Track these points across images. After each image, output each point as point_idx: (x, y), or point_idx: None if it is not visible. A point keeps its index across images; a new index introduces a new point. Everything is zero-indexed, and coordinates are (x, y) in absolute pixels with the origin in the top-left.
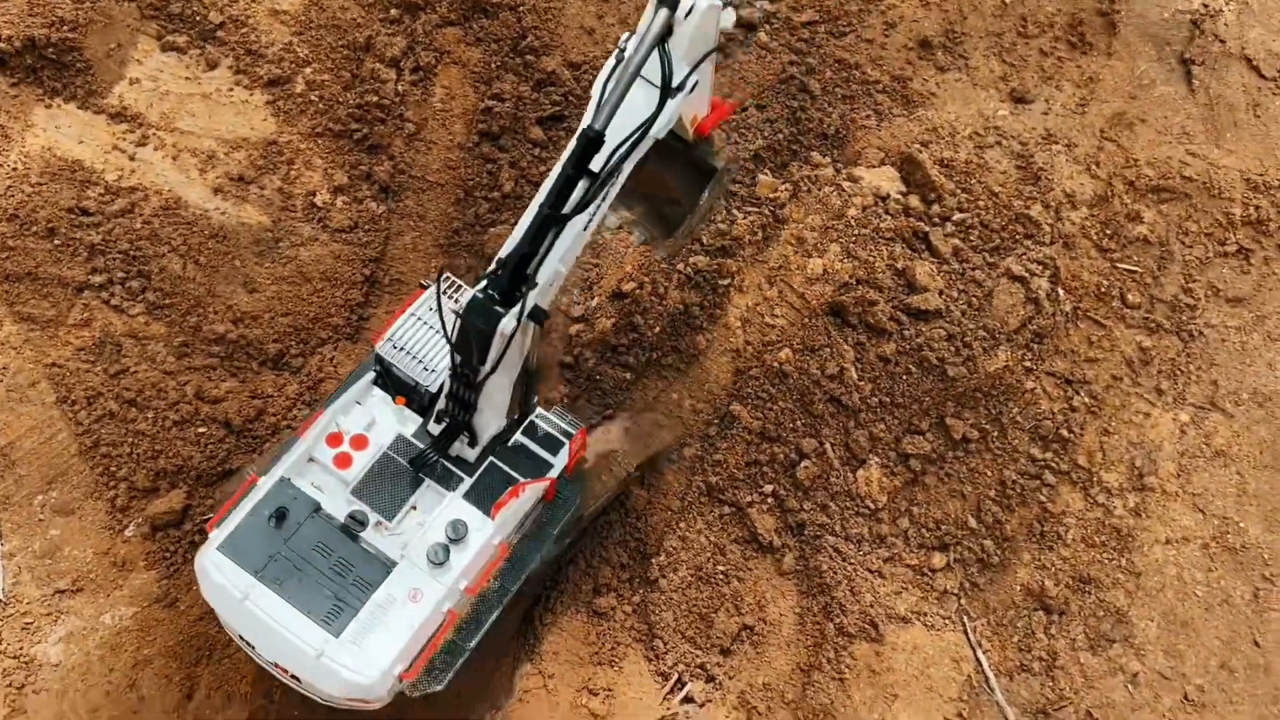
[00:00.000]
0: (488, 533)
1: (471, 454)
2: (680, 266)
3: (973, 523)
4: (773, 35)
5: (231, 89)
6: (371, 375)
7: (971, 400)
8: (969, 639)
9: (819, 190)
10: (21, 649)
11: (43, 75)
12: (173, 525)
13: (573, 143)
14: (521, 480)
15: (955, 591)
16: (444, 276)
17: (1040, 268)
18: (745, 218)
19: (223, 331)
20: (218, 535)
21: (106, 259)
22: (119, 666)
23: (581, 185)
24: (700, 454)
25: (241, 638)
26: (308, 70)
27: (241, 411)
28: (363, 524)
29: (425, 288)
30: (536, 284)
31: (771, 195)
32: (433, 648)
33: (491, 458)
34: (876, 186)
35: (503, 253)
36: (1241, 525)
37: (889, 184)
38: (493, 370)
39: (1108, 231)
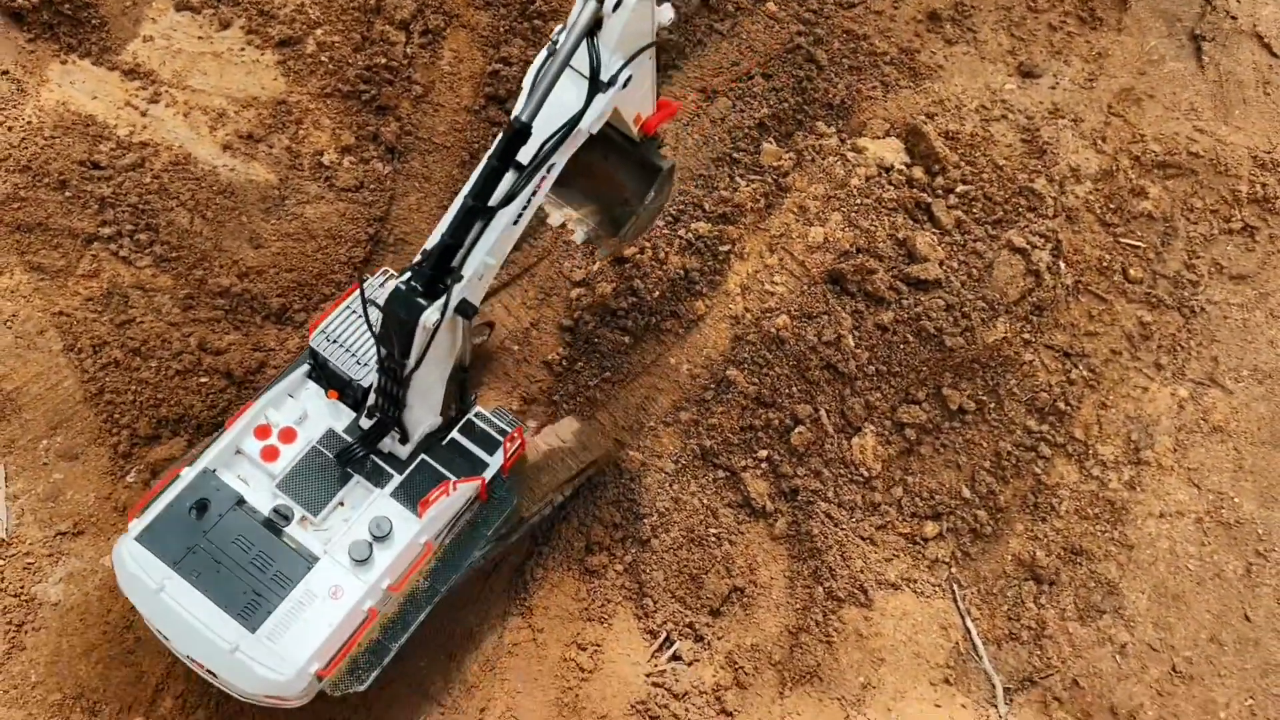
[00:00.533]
0: (413, 531)
1: (404, 451)
2: (682, 232)
3: (966, 493)
4: (781, 5)
5: (243, 49)
6: (305, 368)
7: (969, 371)
8: (958, 606)
9: (823, 160)
10: (23, 588)
11: (59, 31)
12: None
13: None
14: (453, 479)
15: (946, 560)
16: (383, 270)
17: (1042, 240)
18: (748, 185)
19: (228, 285)
20: (136, 525)
21: (116, 212)
22: (116, 608)
23: (509, 177)
24: (695, 418)
25: (159, 630)
26: (318, 31)
27: (243, 363)
28: (287, 518)
29: (364, 281)
30: (462, 277)
31: (775, 164)
32: (351, 646)
33: (424, 455)
34: (880, 157)
35: (428, 244)
36: (1236, 501)
37: (893, 155)
38: (418, 365)
39: (1112, 206)
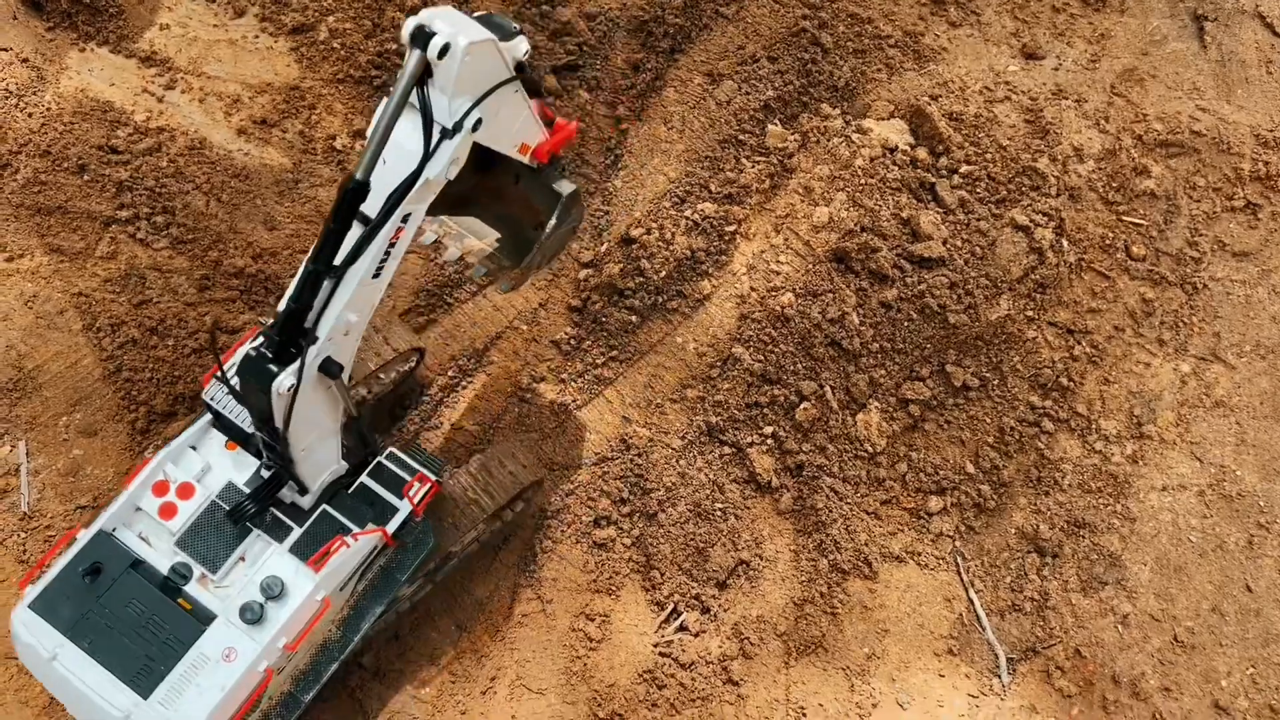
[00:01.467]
0: (308, 588)
1: (307, 501)
2: (688, 213)
3: (970, 468)
4: None
5: (257, 36)
6: (209, 417)
7: (973, 348)
8: (962, 579)
9: (827, 141)
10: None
11: (77, 20)
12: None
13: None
14: (354, 530)
15: (950, 534)
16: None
17: (1045, 219)
18: (754, 167)
19: (242, 266)
20: (30, 592)
21: (134, 195)
22: None
23: (356, 235)
24: (702, 395)
25: (57, 698)
26: (331, 19)
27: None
28: (186, 577)
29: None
30: (317, 338)
31: (780, 145)
32: (247, 708)
33: (326, 505)
34: (885, 138)
35: (280, 305)
36: (1239, 474)
37: (897, 136)
38: (286, 427)
39: (1114, 185)
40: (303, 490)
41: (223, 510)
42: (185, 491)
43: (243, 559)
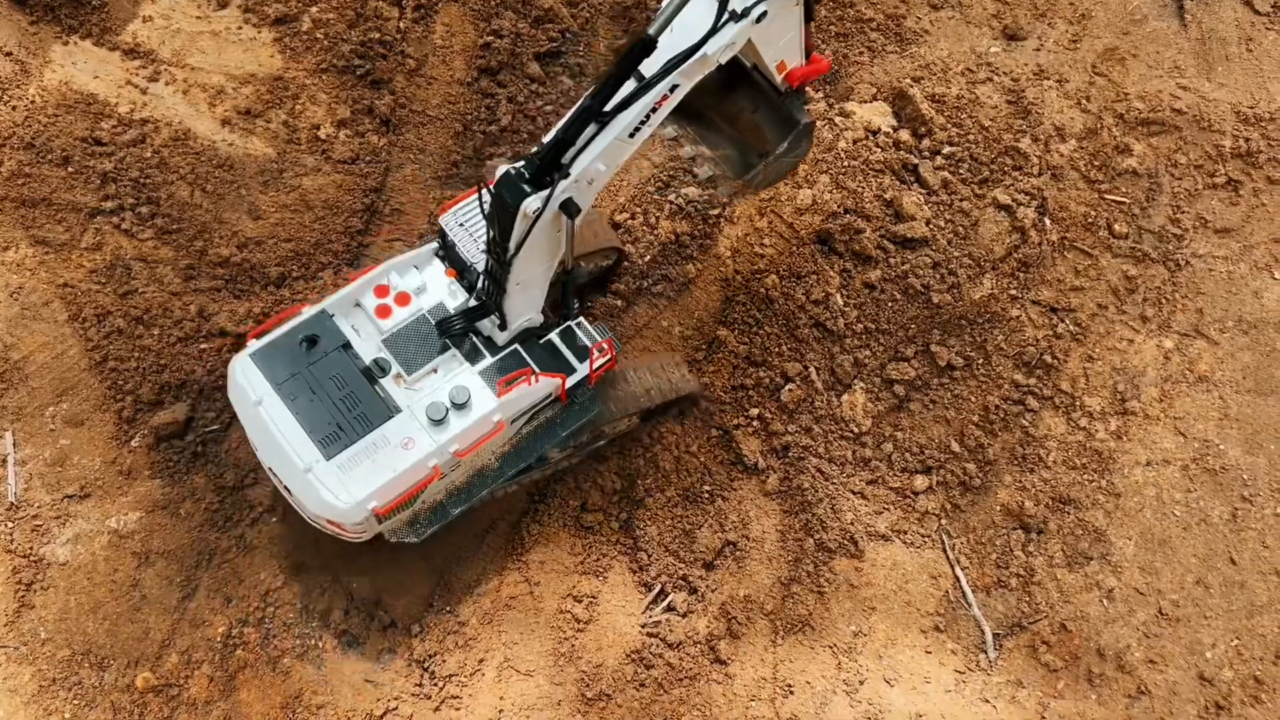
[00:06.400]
0: (489, 407)
1: (501, 337)
2: (672, 198)
3: (956, 447)
4: None
5: (240, 27)
6: (434, 245)
7: (956, 327)
8: (948, 556)
9: None
10: (31, 549)
11: (60, 13)
12: (176, 436)
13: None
14: (538, 372)
15: (936, 512)
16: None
17: (1028, 198)
18: None
19: (227, 255)
20: (253, 345)
21: (118, 186)
22: (122, 567)
23: (630, 87)
24: None
25: (250, 438)
26: (314, 9)
27: (240, 329)
28: (385, 371)
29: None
30: (569, 174)
31: None
32: (410, 494)
33: (518, 346)
34: (868, 121)
35: (546, 137)
36: (1222, 448)
37: (880, 118)
38: (517, 250)
39: (1096, 163)
40: (503, 325)
41: (430, 324)
42: (403, 300)
43: (435, 370)
